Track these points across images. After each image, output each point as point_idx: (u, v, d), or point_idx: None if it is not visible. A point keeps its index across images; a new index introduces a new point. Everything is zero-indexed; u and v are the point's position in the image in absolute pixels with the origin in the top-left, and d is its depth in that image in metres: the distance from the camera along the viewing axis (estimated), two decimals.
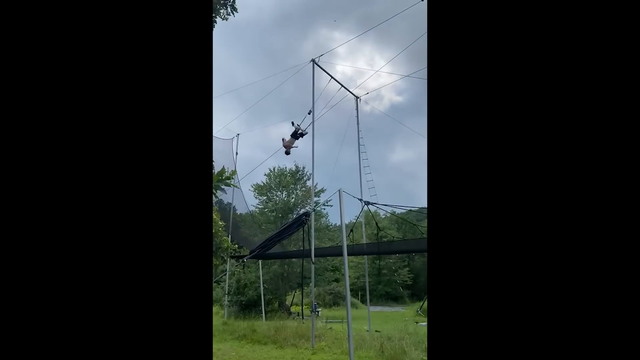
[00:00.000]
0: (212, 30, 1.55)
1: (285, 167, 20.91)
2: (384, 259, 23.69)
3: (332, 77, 10.13)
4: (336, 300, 19.25)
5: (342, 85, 10.58)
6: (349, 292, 4.45)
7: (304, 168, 21.74)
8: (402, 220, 25.59)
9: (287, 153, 9.79)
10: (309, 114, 9.25)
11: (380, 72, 11.16)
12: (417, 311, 15.97)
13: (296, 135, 9.51)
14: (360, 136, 11.14)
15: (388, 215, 25.91)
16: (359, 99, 11.38)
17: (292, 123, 9.56)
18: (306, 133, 9.53)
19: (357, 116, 11.35)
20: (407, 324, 10.57)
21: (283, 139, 9.74)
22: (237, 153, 12.99)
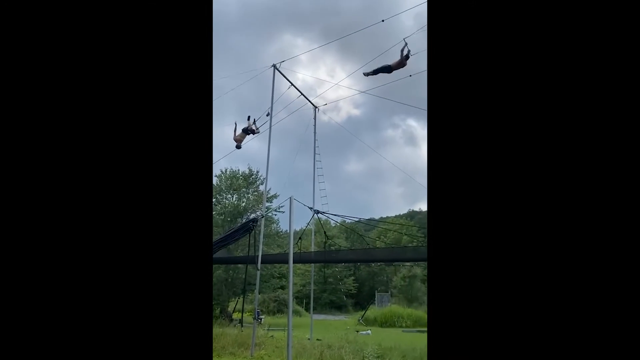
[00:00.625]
0: (211, 30, 1.53)
1: (238, 170, 20.41)
2: (331, 268, 23.99)
3: (292, 84, 10.20)
4: (280, 307, 19.02)
5: (302, 94, 10.69)
6: (291, 300, 4.47)
7: (257, 172, 21.37)
8: (350, 230, 26.20)
9: (239, 147, 9.53)
10: (267, 115, 9.19)
11: (339, 84, 11.42)
12: (359, 320, 16.35)
13: (247, 131, 9.34)
14: (316, 145, 11.30)
15: (337, 224, 26.37)
16: (317, 109, 11.56)
17: (249, 117, 9.41)
18: (258, 132, 9.40)
19: (315, 125, 11.52)
20: (348, 333, 10.78)
21: (235, 131, 9.49)
22: None
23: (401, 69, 7.57)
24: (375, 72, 7.70)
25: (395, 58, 7.51)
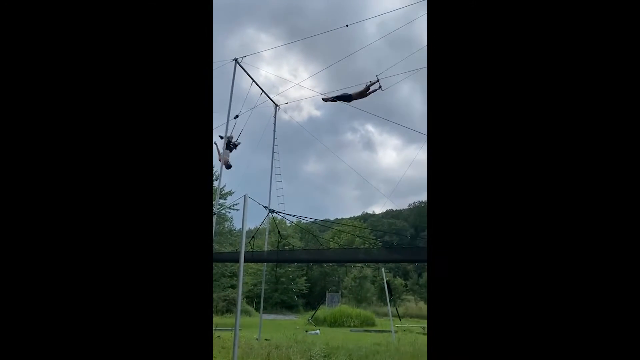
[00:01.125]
0: (211, 30, 1.49)
1: None
2: (284, 267, 23.89)
3: (253, 80, 10.02)
4: (230, 307, 18.57)
5: (263, 91, 10.54)
6: (240, 299, 4.39)
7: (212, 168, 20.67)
8: (305, 230, 26.31)
9: (228, 167, 8.81)
10: (235, 118, 8.88)
11: (302, 84, 11.44)
12: (309, 320, 16.46)
13: (229, 146, 8.75)
14: (275, 144, 11.21)
15: (293, 224, 26.36)
16: (278, 107, 11.48)
17: (220, 137, 8.83)
18: (239, 143, 8.87)
19: (275, 124, 11.42)
20: (297, 333, 10.81)
21: (219, 153, 8.76)
22: None
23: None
24: (334, 99, 7.69)
25: (359, 85, 7.44)
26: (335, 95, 7.74)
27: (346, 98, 7.66)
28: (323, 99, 7.95)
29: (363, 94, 7.46)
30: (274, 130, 11.33)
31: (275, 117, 11.38)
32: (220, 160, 8.83)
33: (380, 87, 7.36)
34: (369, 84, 7.35)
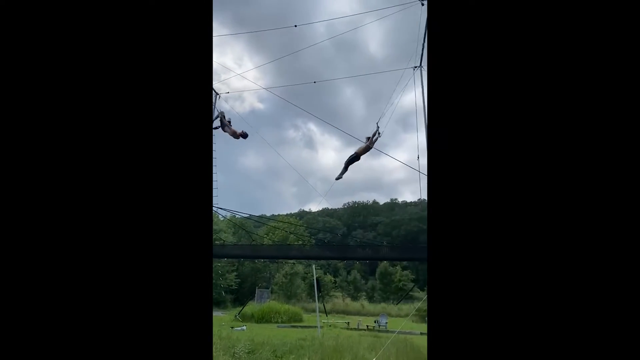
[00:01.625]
0: (211, 30, 1.42)
1: None
2: (213, 262, 23.04)
3: None
4: None
5: None
6: None
7: None
8: (238, 225, 25.69)
9: (245, 135, 8.15)
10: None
11: (246, 75, 11.18)
12: (236, 316, 16.14)
13: (223, 124, 8.21)
14: (212, 134, 10.76)
15: (226, 218, 25.54)
16: (218, 96, 11.03)
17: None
18: (229, 119, 8.35)
19: (213, 112, 10.96)
20: (222, 329, 10.54)
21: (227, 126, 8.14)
22: None
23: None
24: (346, 168, 7.55)
25: (360, 142, 7.31)
26: (345, 166, 7.53)
27: (355, 159, 7.56)
28: (337, 179, 7.72)
29: (368, 147, 7.42)
30: (212, 120, 10.88)
31: (214, 105, 10.92)
32: (232, 132, 8.16)
33: (379, 134, 7.46)
34: (372, 136, 7.36)
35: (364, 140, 7.48)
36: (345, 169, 7.78)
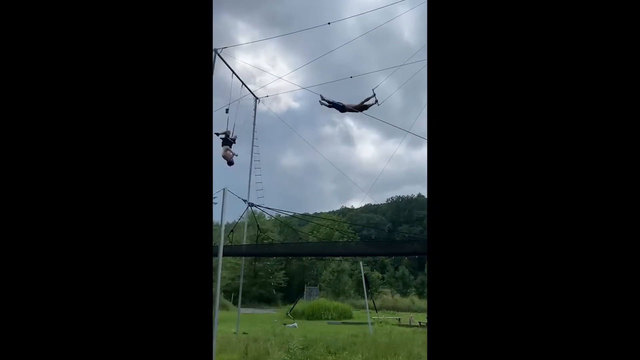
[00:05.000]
0: (211, 30, 1.45)
1: None
2: (262, 261, 23.80)
3: (234, 73, 9.85)
4: None
5: (244, 84, 10.39)
6: (218, 293, 4.36)
7: None
8: (284, 224, 26.28)
9: (230, 163, 8.37)
10: (226, 112, 8.61)
11: (280, 76, 11.34)
12: (287, 314, 16.54)
13: (228, 142, 8.39)
14: (255, 137, 11.09)
15: (272, 218, 26.25)
16: (258, 100, 11.34)
17: (216, 134, 8.45)
18: (235, 137, 8.55)
19: (255, 117, 11.28)
20: (275, 326, 10.85)
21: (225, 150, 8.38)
22: None
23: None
24: (330, 104, 7.62)
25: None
26: (331, 101, 7.61)
27: (340, 108, 7.60)
28: (320, 101, 7.88)
29: (358, 107, 7.37)
30: (254, 124, 11.21)
31: (255, 110, 11.25)
32: (223, 157, 8.33)
33: (376, 101, 7.24)
34: (367, 100, 7.26)
35: (359, 101, 7.28)
36: (329, 104, 7.70)
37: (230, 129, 8.67)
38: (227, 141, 8.52)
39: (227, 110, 8.65)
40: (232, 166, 8.43)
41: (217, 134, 8.49)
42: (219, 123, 8.66)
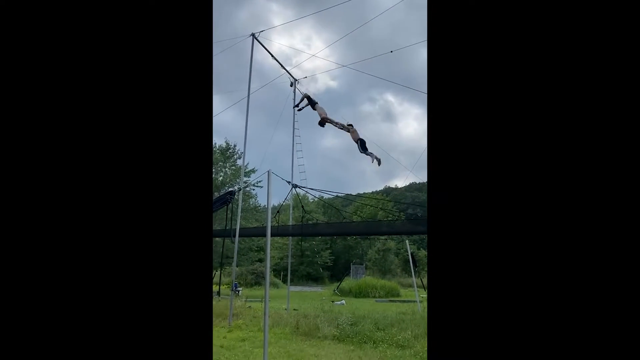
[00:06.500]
0: (211, 29, 1.45)
1: (215, 144, 19.94)
2: (308, 241, 24.42)
3: (272, 56, 9.91)
4: (258, 280, 19.37)
5: (282, 66, 10.41)
6: (268, 272, 4.55)
7: (235, 146, 20.91)
8: (328, 205, 26.57)
9: (322, 124, 8.15)
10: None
11: (316, 55, 11.17)
12: (334, 291, 16.94)
13: (312, 102, 8.30)
14: (295, 119, 11.16)
15: (315, 199, 26.62)
16: (297, 81, 11.32)
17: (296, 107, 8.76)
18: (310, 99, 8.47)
19: (294, 99, 11.31)
20: (324, 303, 11.19)
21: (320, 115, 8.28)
22: None
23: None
24: (308, 101, 8.08)
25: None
26: (302, 105, 8.25)
27: (312, 105, 8.04)
28: (298, 110, 8.43)
29: (326, 121, 7.69)
30: (294, 106, 11.25)
31: (294, 92, 11.26)
32: (322, 118, 8.22)
33: (377, 159, 7.68)
34: (346, 125, 7.72)
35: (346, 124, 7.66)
36: (308, 101, 8.04)
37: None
38: (311, 101, 8.44)
39: (291, 84, 8.90)
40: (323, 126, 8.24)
41: (298, 107, 8.81)
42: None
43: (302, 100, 8.60)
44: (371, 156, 7.63)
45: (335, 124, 7.76)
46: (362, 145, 7.68)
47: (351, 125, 7.77)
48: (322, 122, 7.82)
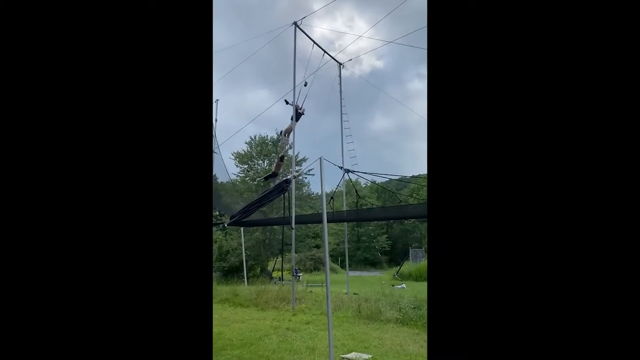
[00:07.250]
0: (211, 29, 1.47)
1: (267, 136, 20.56)
2: (364, 226, 24.35)
3: (315, 42, 9.80)
4: (317, 265, 19.87)
5: (326, 52, 10.28)
6: (327, 257, 4.59)
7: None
8: (382, 188, 26.14)
9: (275, 175, 9.13)
10: (305, 85, 8.72)
11: (362, 35, 10.81)
12: (394, 275, 16.76)
13: (297, 114, 8.56)
14: (342, 104, 11.03)
15: (368, 184, 26.32)
16: (342, 66, 11.13)
17: (286, 102, 8.70)
18: (303, 110, 8.68)
19: (340, 84, 11.16)
20: (384, 287, 11.11)
21: (282, 132, 8.85)
22: (216, 120, 12.66)
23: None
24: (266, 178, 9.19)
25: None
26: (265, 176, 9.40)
27: (273, 175, 8.99)
28: (264, 179, 9.49)
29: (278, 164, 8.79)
30: (340, 91, 11.11)
31: (340, 76, 11.10)
32: (275, 171, 9.25)
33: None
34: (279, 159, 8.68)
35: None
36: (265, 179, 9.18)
37: (302, 101, 8.66)
38: (297, 115, 8.51)
39: (305, 84, 8.65)
40: (301, 116, 8.68)
41: (287, 102, 8.71)
42: (306, 93, 8.72)
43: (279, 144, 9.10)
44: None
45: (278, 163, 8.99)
46: (269, 175, 8.92)
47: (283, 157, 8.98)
48: (273, 175, 8.92)
